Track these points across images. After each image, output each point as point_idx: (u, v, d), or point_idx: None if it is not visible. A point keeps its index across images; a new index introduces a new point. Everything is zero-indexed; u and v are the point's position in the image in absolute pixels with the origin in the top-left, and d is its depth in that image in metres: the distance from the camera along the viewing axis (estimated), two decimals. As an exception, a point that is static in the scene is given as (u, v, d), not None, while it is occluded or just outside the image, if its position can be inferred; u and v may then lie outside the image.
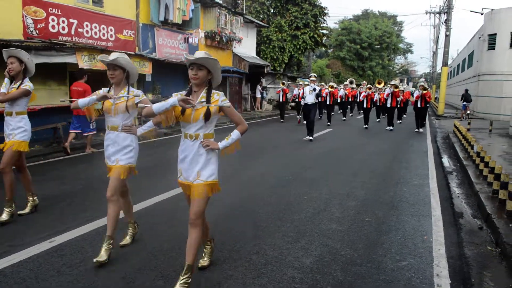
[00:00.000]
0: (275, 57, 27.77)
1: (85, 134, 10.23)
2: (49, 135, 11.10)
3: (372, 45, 49.81)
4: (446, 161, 10.21)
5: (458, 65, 41.12)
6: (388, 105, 17.02)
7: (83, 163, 8.82)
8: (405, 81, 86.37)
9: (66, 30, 11.54)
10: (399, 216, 5.45)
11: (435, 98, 37.28)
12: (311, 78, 12.91)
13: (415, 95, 16.16)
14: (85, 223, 4.97)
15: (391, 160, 9.79)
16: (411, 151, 11.37)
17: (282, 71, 31.51)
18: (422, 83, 16.40)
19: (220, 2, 18.76)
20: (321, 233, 4.72)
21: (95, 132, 10.47)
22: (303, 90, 12.94)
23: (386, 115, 18.24)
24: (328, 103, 19.01)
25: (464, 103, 23.73)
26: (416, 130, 16.21)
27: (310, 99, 12.37)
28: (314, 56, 61.55)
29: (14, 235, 4.56)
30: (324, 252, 4.21)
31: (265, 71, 24.29)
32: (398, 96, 17.12)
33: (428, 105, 18.08)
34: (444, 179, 7.97)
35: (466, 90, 24.17)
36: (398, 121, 19.87)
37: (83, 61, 11.20)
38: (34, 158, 9.40)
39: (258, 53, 27.30)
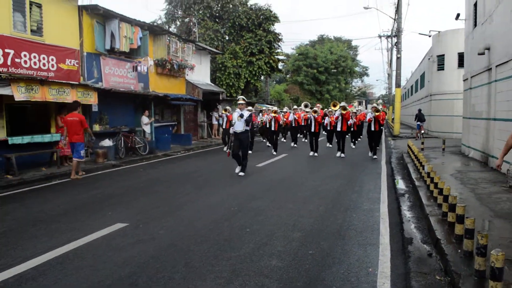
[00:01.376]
0: (231, 83, 27.65)
1: (76, 159, 10.89)
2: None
3: (328, 69, 50.76)
4: (399, 182, 10.11)
5: (412, 86, 42.36)
6: (338, 129, 15.54)
7: (12, 203, 8.08)
8: (364, 103, 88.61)
9: (2, 61, 10.86)
10: (345, 247, 5.13)
11: (392, 119, 38.09)
12: (239, 102, 10.97)
13: (367, 117, 15.20)
14: (-4, 275, 4.39)
15: (344, 184, 9.57)
16: (364, 173, 11.23)
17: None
18: (374, 105, 15.56)
19: (171, 30, 18.42)
20: (258, 272, 4.32)
21: (83, 159, 11.26)
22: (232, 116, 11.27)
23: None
24: (273, 128, 17.41)
25: (418, 122, 24.24)
26: (370, 155, 15.09)
27: (239, 126, 10.56)
28: (275, 82, 62.27)
29: None
30: (259, 294, 3.81)
31: (220, 98, 24.03)
32: (348, 119, 15.63)
33: (382, 127, 17.93)
34: (395, 202, 7.79)
35: (419, 110, 24.72)
36: (352, 146, 18.97)
37: (19, 93, 10.53)
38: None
39: (214, 80, 27.11)
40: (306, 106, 18.01)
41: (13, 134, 11.62)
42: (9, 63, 11.05)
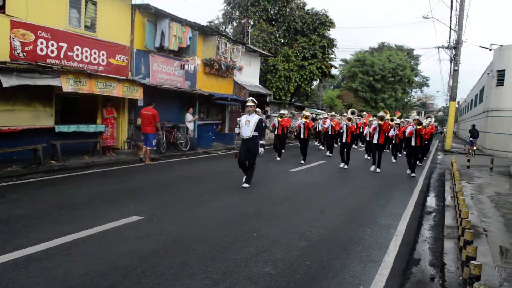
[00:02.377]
0: (281, 86, 27.71)
1: (147, 147, 12.76)
2: (29, 156, 11.04)
3: (385, 77, 49.49)
4: (431, 200, 9.77)
5: (471, 100, 40.50)
6: (375, 141, 13.89)
7: (48, 187, 8.64)
8: (422, 114, 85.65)
9: (55, 53, 11.62)
10: (345, 261, 5.07)
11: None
12: (248, 103, 9.58)
13: (407, 130, 13.42)
14: (10, 252, 4.75)
15: (370, 197, 9.36)
16: (397, 188, 10.90)
17: (289, 100, 31.46)
18: (416, 117, 14.81)
19: (223, 31, 18.75)
20: (248, 277, 4.37)
21: (154, 148, 13.32)
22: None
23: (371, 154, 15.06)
24: (302, 136, 15.55)
25: (471, 139, 23.17)
26: (408, 172, 13.38)
27: (246, 132, 9.34)
28: (332, 86, 61.62)
29: None
30: (239, 299, 3.87)
31: (267, 100, 24.17)
32: (387, 131, 13.97)
33: (426, 142, 16.70)
34: (417, 220, 7.54)
35: (473, 126, 23.63)
36: (393, 160, 17.29)
37: (67, 84, 11.19)
38: (7, 178, 9.33)
39: (264, 82, 27.29)
40: (353, 113, 16.66)
41: (61, 123, 12.37)
42: (61, 56, 11.77)
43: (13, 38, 10.65)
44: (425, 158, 17.49)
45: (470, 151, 22.56)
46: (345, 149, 14.23)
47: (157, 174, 10.91)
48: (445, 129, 64.15)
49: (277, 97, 27.88)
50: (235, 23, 31.62)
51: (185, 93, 16.97)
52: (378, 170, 13.65)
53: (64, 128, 11.99)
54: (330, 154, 17.98)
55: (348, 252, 5.44)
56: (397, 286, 4.49)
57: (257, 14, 29.70)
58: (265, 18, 29.77)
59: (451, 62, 27.64)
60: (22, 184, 8.90)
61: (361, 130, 18.99)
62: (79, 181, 9.52)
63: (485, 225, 6.78)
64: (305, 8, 30.47)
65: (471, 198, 9.15)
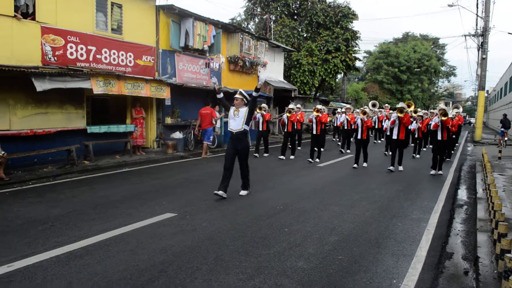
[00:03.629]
0: (305, 81, 27.64)
1: (204, 142, 14.43)
2: (63, 156, 11.42)
3: (410, 68, 48.65)
4: (462, 192, 9.63)
5: (501, 89, 39.47)
6: (394, 136, 12.18)
7: (83, 186, 8.94)
8: (450, 104, 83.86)
9: (84, 57, 11.94)
10: (377, 255, 5.09)
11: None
12: (235, 96, 8.27)
13: (432, 123, 11.85)
14: (51, 249, 4.97)
15: (399, 190, 9.30)
16: (426, 180, 10.80)
17: (314, 94, 31.33)
18: (442, 106, 12.46)
19: (245, 28, 18.83)
20: (281, 271, 4.46)
21: (211, 142, 14.93)
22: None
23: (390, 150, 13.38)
24: (314, 132, 13.80)
25: (502, 129, 22.61)
26: (432, 173, 11.65)
27: (234, 124, 8.03)
28: (357, 79, 61.01)
29: (-27, 261, 4.61)
30: (274, 293, 3.96)
31: (293, 95, 24.16)
32: (407, 124, 12.21)
33: (454, 136, 15.50)
34: (449, 214, 7.46)
35: (505, 116, 23.08)
36: (417, 156, 15.84)
37: (97, 86, 11.50)
38: (43, 179, 9.70)
39: (288, 77, 27.28)
40: (374, 105, 15.68)
41: (92, 124, 12.72)
42: (91, 59, 12.08)
43: (44, 44, 11.00)
44: (452, 152, 16.14)
45: (501, 141, 22.04)
46: (361, 146, 12.68)
47: (187, 172, 11.11)
48: (473, 120, 62.70)
49: (302, 92, 27.82)
50: (257, 19, 31.67)
51: (211, 91, 17.15)
52: (400, 168, 12.17)
53: (95, 129, 12.33)
54: (346, 151, 16.77)
55: (380, 246, 5.45)
56: (431, 280, 4.50)
57: (278, 9, 29.68)
58: (287, 13, 29.72)
59: (478, 50, 27.02)
60: (58, 184, 9.23)
61: (382, 124, 17.48)
62: (112, 180, 9.81)
63: (518, 217, 6.67)
64: (326, 1, 30.26)
65: (504, 190, 8.98)
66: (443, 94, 78.86)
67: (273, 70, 23.28)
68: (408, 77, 49.11)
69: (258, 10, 31.15)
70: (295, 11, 30.40)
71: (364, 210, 7.30)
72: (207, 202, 7.54)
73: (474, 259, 5.05)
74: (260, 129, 14.93)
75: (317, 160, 13.69)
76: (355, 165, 12.48)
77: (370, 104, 15.67)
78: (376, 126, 19.44)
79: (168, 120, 15.38)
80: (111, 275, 4.29)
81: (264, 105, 15.43)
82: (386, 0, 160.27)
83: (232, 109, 8.20)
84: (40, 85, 10.14)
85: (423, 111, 18.45)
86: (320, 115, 13.70)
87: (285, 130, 14.76)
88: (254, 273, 4.41)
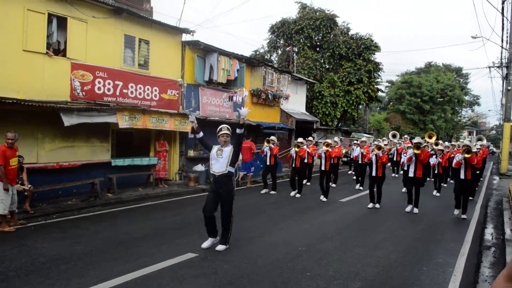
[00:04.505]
0: (327, 112, 27.66)
1: (248, 174, 15.38)
2: (87, 189, 11.61)
3: (433, 98, 48.21)
4: (489, 232, 9.36)
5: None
6: (411, 174, 11.08)
7: (106, 221, 9.02)
8: (474, 134, 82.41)
9: (111, 91, 12.25)
10: (402, 305, 4.96)
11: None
12: (221, 132, 7.20)
13: (454, 160, 10.67)
14: (75, 292, 5.00)
15: (424, 230, 9.10)
16: (452, 219, 10.52)
17: (336, 125, 31.27)
18: (465, 142, 11.56)
19: (270, 62, 19.05)
20: (303, 323, 4.38)
21: (252, 173, 15.72)
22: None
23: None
24: (323, 168, 13.07)
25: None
26: (456, 213, 10.79)
27: (217, 166, 7.02)
28: (379, 108, 60.71)
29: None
30: None
31: (315, 127, 24.17)
32: (425, 160, 11.05)
33: (478, 172, 14.45)
34: (476, 257, 7.24)
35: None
36: (436, 194, 14.62)
37: (123, 121, 11.75)
38: (67, 212, 9.85)
39: (310, 108, 27.35)
40: (394, 136, 14.72)
41: (116, 156, 12.94)
42: (117, 93, 12.39)
43: (73, 79, 11.35)
44: (476, 189, 14.89)
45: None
46: (375, 184, 11.60)
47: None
48: (496, 150, 61.20)
49: (324, 123, 27.81)
50: (279, 51, 32.07)
51: (234, 124, 17.30)
52: (415, 210, 11.05)
53: (119, 162, 12.53)
54: (361, 188, 15.45)
55: (405, 294, 5.32)
56: (459, 335, 4.34)
57: (301, 41, 30.02)
58: (309, 45, 30.03)
59: (503, 81, 26.69)
60: (81, 218, 9.35)
61: (401, 157, 16.89)
62: (134, 214, 9.88)
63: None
64: (349, 33, 30.48)
65: (534, 232, 8.69)
66: (466, 123, 77.68)
67: (295, 102, 23.41)
68: (431, 107, 48.62)
69: (281, 42, 31.59)
70: (318, 43, 30.71)
71: (388, 253, 7.14)
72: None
73: (505, 312, 4.86)
74: (268, 163, 14.12)
75: (323, 199, 12.49)
76: (370, 205, 11.63)
77: (390, 134, 15.15)
78: (395, 159, 18.96)
79: (191, 153, 15.54)
80: (132, 322, 4.28)
81: (272, 137, 14.63)
82: (408, 32, 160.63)
83: (215, 148, 7.19)
84: (68, 120, 10.42)
85: (445, 143, 17.25)
86: (330, 149, 13.10)
87: (293, 166, 13.47)
88: (276, 323, 4.33)
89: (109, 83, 12.19)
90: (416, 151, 10.80)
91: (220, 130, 7.23)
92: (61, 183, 10.91)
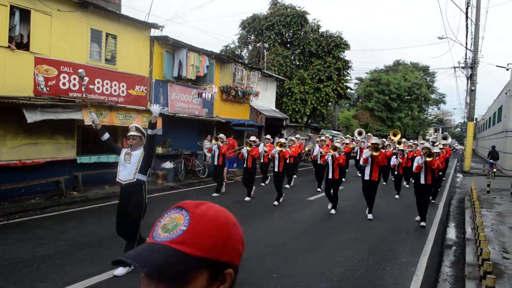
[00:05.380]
0: (297, 109, 27.85)
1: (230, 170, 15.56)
2: (51, 187, 11.32)
3: (401, 96, 49.31)
4: (451, 231, 9.67)
5: (489, 118, 40.09)
6: (366, 177, 10.31)
7: (71, 221, 8.82)
8: (440, 131, 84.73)
9: (77, 87, 11.95)
10: (366, 305, 5.07)
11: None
12: (130, 133, 6.20)
13: (414, 164, 9.92)
14: (37, 297, 4.88)
15: (389, 229, 9.32)
16: (416, 218, 10.78)
17: (305, 122, 31.54)
18: (426, 144, 10.90)
19: (241, 57, 18.96)
20: (269, 325, 4.42)
21: (235, 168, 16.45)
22: None
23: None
24: (276, 169, 12.09)
25: (491, 160, 22.85)
26: (417, 219, 10.14)
27: (124, 173, 6.01)
28: (348, 105, 61.55)
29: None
30: None
31: (284, 124, 24.31)
32: (382, 164, 10.53)
33: (440, 173, 13.60)
34: (438, 256, 7.48)
35: (493, 147, 23.33)
36: (396, 196, 13.94)
37: (89, 117, 11.48)
38: (31, 211, 9.57)
39: (280, 105, 27.47)
40: (360, 133, 13.98)
41: (82, 153, 12.66)
42: (83, 89, 12.08)
43: (37, 74, 11.01)
44: (439, 190, 14.23)
45: (490, 173, 22.26)
46: (331, 187, 10.82)
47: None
48: (459, 146, 63.00)
49: (293, 120, 28.00)
50: (250, 47, 32.05)
51: (203, 121, 17.23)
52: (369, 216, 10.28)
53: (85, 159, 12.27)
54: (319, 189, 14.49)
55: (369, 294, 5.44)
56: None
57: (272, 37, 30.10)
58: (280, 41, 30.14)
59: (468, 80, 27.55)
60: (46, 218, 9.12)
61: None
62: (101, 213, 9.71)
63: (507, 262, 6.70)
64: (319, 30, 30.75)
65: (492, 230, 9.04)
66: (432, 121, 79.83)
67: (265, 99, 23.46)
68: (399, 104, 49.70)
69: (252, 38, 31.58)
70: (288, 40, 30.86)
71: (353, 253, 7.29)
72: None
73: (463, 311, 5.05)
74: (216, 163, 13.05)
75: (275, 203, 11.63)
76: (329, 206, 11.01)
77: (356, 132, 14.86)
78: (358, 157, 18.07)
79: (159, 150, 15.34)
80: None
81: (221, 135, 13.56)
82: (378, 31, 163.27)
83: (123, 151, 6.11)
84: (31, 117, 10.11)
85: (410, 141, 16.63)
86: (284, 150, 12.00)
87: (245, 166, 12.29)
88: (242, 327, 4.36)
89: (74, 78, 11.89)
90: (374, 153, 9.91)
91: (128, 130, 6.22)
92: (24, 181, 10.60)
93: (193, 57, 15.84)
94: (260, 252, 6.99)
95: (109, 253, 6.64)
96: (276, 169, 12.10)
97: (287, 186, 15.02)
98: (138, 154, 5.94)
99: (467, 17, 23.38)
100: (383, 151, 10.82)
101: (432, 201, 12.58)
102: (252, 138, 12.55)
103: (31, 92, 10.90)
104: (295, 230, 8.75)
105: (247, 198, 12.18)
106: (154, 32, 14.82)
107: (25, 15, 10.90)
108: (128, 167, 5.93)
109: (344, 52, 30.27)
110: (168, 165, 14.77)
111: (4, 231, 7.90)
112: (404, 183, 15.97)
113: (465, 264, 6.64)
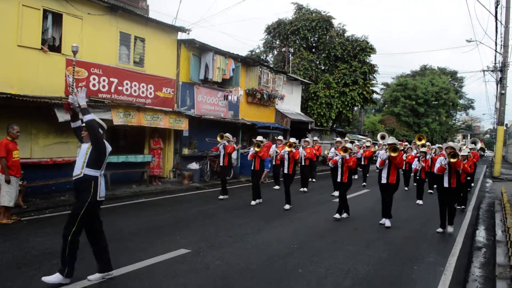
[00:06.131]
0: (322, 113, 27.73)
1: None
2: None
3: (428, 101, 48.52)
4: (481, 234, 9.42)
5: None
6: (383, 180, 9.41)
7: (102, 217, 8.97)
8: (468, 137, 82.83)
9: (106, 88, 12.25)
10: (392, 301, 5.00)
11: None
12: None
13: (436, 165, 9.00)
14: (65, 285, 4.99)
15: (416, 230, 9.16)
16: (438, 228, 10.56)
17: (330, 126, 31.37)
18: (450, 144, 9.52)
19: (266, 62, 19.07)
20: (294, 317, 4.41)
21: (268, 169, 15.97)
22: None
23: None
24: (286, 171, 11.29)
25: (523, 166, 22.23)
26: (439, 231, 8.93)
27: (75, 167, 5.35)
28: (374, 110, 60.94)
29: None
30: None
31: (309, 127, 24.25)
32: (400, 166, 9.80)
33: (468, 178, 12.38)
34: (467, 257, 7.30)
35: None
36: (419, 202, 12.84)
37: (117, 118, 11.75)
38: (60, 207, 9.82)
39: (305, 109, 27.43)
40: (383, 137, 13.43)
41: (111, 153, 12.90)
42: (112, 90, 12.39)
43: (68, 75, 11.33)
44: (468, 194, 13.19)
45: (522, 178, 21.62)
46: (339, 192, 10.35)
47: (202, 204, 11.12)
48: (488, 152, 61.01)
49: (319, 124, 27.89)
50: (275, 52, 32.15)
51: (229, 123, 17.36)
52: (387, 223, 9.29)
53: (113, 159, 12.51)
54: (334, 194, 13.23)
55: (395, 291, 5.36)
56: (447, 330, 4.39)
57: (297, 42, 30.13)
58: (305, 46, 30.12)
59: (497, 85, 26.88)
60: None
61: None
62: (128, 211, 9.89)
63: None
64: (345, 35, 30.61)
65: (524, 233, 8.77)
66: (461, 127, 78.10)
67: (290, 102, 23.50)
68: (426, 109, 48.92)
69: (277, 43, 31.68)
70: (313, 45, 30.82)
71: (379, 252, 7.19)
72: (220, 238, 7.52)
73: (493, 309, 4.93)
74: (221, 163, 12.40)
75: (287, 207, 10.93)
76: (344, 215, 10.10)
77: (379, 136, 14.29)
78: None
79: (185, 151, 15.54)
80: (124, 314, 4.29)
81: (227, 134, 12.72)
82: (404, 35, 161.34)
83: (84, 145, 5.48)
84: (62, 116, 10.40)
85: (435, 146, 15.64)
86: (294, 150, 11.11)
87: (252, 168, 11.67)
88: (267, 317, 4.37)
89: (104, 80, 12.19)
90: (392, 154, 9.04)
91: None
92: (54, 179, 10.90)
93: (219, 60, 16.00)
94: (284, 250, 6.98)
95: (136, 246, 6.76)
96: (285, 171, 11.30)
97: (305, 189, 14.34)
98: (86, 147, 5.36)
99: (496, 18, 22.87)
100: (404, 153, 10.14)
101: (462, 207, 11.87)
102: (259, 138, 11.80)
103: (62, 93, 11.22)
104: (319, 230, 8.71)
105: (253, 202, 11.36)
106: (181, 36, 15.11)
107: (57, 18, 11.28)
108: (77, 161, 5.42)
109: (370, 56, 29.99)
110: (194, 166, 14.92)
111: (35, 224, 8.13)
112: (429, 190, 15.19)
113: (496, 265, 6.47)
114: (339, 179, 10.07)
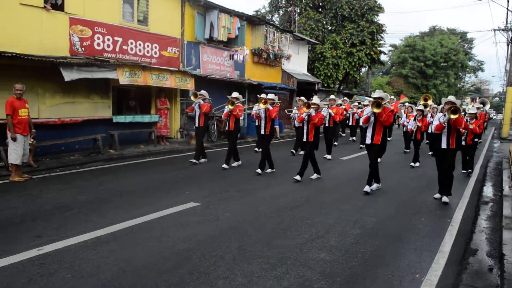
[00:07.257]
0: (329, 74, 27.37)
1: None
2: (89, 145, 11.67)
3: (437, 62, 47.66)
4: (487, 189, 9.45)
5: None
6: (368, 141, 8.21)
7: (108, 174, 9.12)
8: (477, 99, 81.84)
9: (111, 48, 12.11)
10: (400, 250, 5.07)
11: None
12: None
13: (435, 122, 7.71)
14: (79, 234, 5.11)
15: (423, 186, 9.19)
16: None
17: (337, 88, 31.07)
18: (451, 98, 7.60)
19: (270, 20, 18.68)
20: (303, 262, 4.50)
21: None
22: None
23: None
24: (262, 132, 10.20)
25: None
26: (436, 196, 7.91)
27: None
28: (381, 73, 60.12)
29: (8, 240, 4.81)
30: (296, 283, 3.99)
31: (316, 88, 24.02)
32: (387, 123, 8.02)
33: (476, 140, 11.06)
34: (473, 210, 7.35)
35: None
36: (414, 164, 11.82)
37: (123, 77, 11.68)
38: (70, 166, 9.93)
39: (312, 70, 27.09)
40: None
41: (117, 114, 12.94)
42: (117, 49, 12.26)
43: (72, 34, 11.19)
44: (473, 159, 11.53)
45: (530, 138, 21.48)
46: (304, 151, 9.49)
47: (210, 163, 11.17)
48: (495, 115, 60.01)
49: (326, 85, 27.59)
50: (281, 12, 31.48)
51: (235, 83, 17.23)
52: (368, 188, 8.08)
53: (121, 119, 12.55)
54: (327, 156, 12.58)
55: (402, 241, 5.43)
56: (455, 276, 4.46)
57: (303, 1, 29.43)
58: (311, 5, 29.43)
59: (508, 45, 26.32)
60: (84, 172, 9.45)
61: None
62: (137, 169, 9.99)
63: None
64: (352, -7, 29.82)
65: (531, 188, 8.79)
66: (469, 89, 77.08)
67: (296, 63, 23.20)
68: (434, 71, 48.14)
69: (283, 2, 30.97)
70: (320, 4, 30.08)
71: (387, 205, 7.24)
72: (229, 193, 7.61)
73: (499, 256, 4.98)
74: (197, 124, 10.98)
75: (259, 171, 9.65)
76: (314, 175, 9.40)
77: (375, 92, 13.07)
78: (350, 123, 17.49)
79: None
80: (137, 261, 4.40)
81: (203, 91, 11.23)
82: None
83: None
84: (68, 75, 10.35)
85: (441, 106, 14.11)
86: (271, 108, 9.88)
87: (227, 129, 10.87)
88: (277, 263, 4.46)
89: (108, 39, 12.04)
90: (376, 110, 7.71)
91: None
92: (63, 139, 10.95)
93: (224, 19, 15.70)
94: (292, 203, 7.05)
95: (146, 200, 6.86)
96: (262, 132, 10.20)
97: (328, 156, 12.59)
98: None
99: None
100: (389, 106, 8.45)
101: (469, 171, 10.91)
102: (235, 94, 10.84)
103: (67, 52, 11.12)
104: (328, 185, 8.79)
105: (224, 166, 10.17)
106: (185, -7, 14.74)
107: (60, -25, 11.02)
108: None
109: (377, 15, 29.26)
110: (201, 126, 14.90)
111: (46, 182, 8.24)
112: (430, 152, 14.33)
113: (503, 216, 6.51)
114: (304, 139, 9.23)
